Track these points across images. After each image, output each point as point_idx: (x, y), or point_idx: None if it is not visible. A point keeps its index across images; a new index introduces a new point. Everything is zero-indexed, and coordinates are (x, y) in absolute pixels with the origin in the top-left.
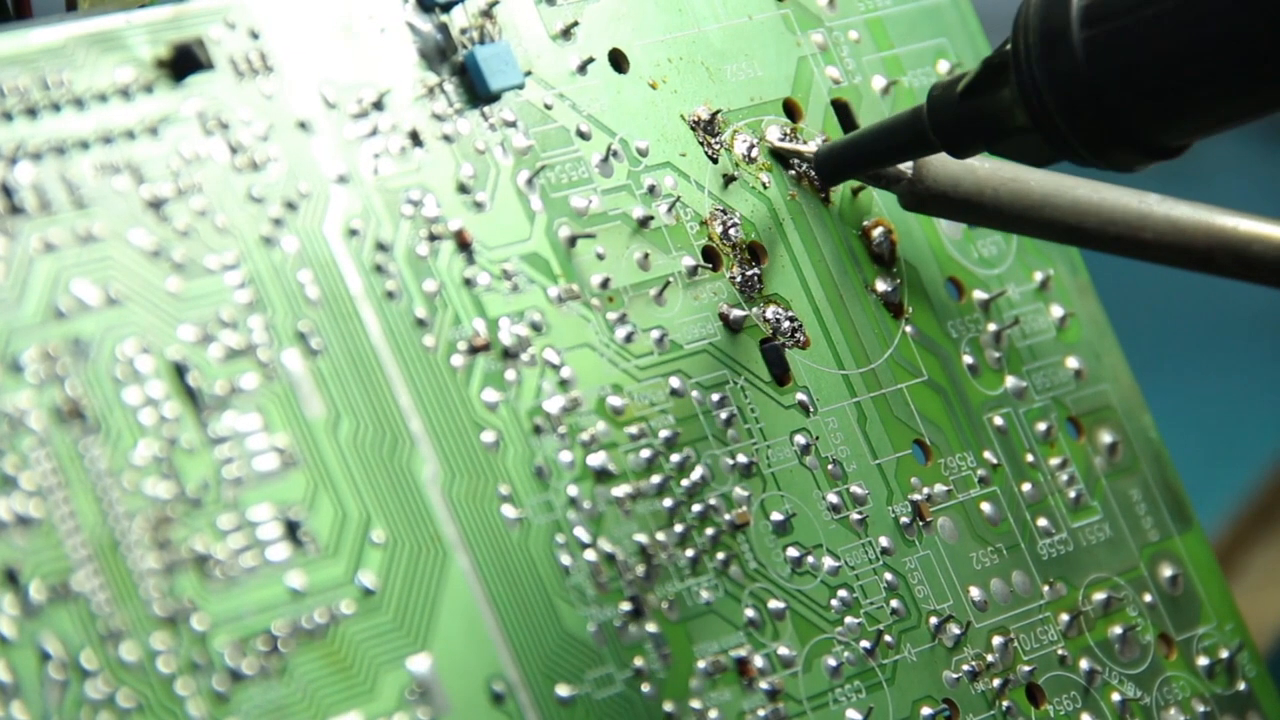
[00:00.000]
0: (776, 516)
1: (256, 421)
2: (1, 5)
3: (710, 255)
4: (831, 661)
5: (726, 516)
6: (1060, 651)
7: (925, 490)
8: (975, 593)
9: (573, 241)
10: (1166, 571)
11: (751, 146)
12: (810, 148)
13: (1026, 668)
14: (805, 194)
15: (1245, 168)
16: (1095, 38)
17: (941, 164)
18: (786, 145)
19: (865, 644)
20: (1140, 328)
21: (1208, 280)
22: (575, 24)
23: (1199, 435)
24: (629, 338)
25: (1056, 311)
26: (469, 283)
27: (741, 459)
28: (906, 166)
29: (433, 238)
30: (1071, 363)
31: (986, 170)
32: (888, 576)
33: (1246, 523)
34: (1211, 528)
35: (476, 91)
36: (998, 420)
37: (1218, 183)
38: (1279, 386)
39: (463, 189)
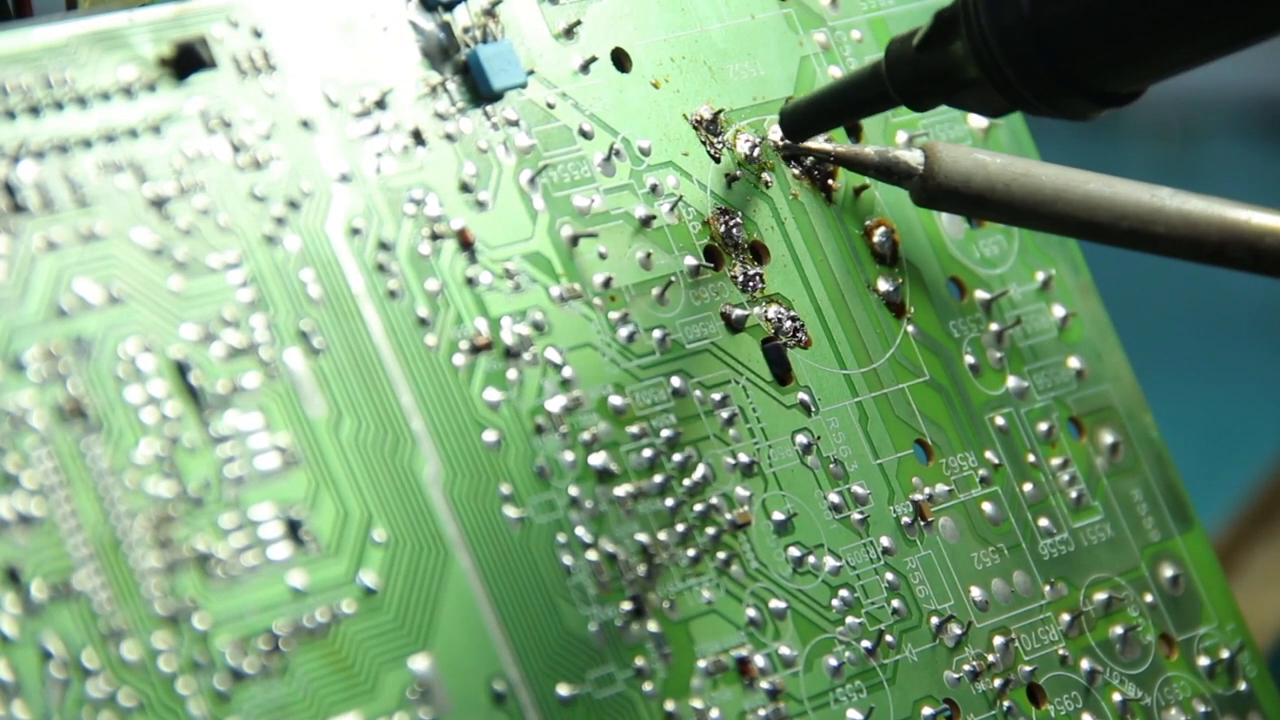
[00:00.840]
0: (778, 516)
1: (258, 420)
2: (2, 4)
3: (712, 255)
4: (833, 661)
5: (728, 516)
6: (1061, 651)
7: (927, 490)
8: (976, 593)
9: (575, 241)
10: (1168, 572)
11: (754, 146)
12: (826, 146)
13: (1027, 668)
14: (808, 193)
15: (1246, 167)
16: None
17: (953, 160)
18: (803, 144)
19: (866, 644)
20: (1141, 328)
21: (1208, 281)
22: (578, 23)
23: (1199, 435)
24: (631, 337)
25: (1058, 311)
26: (471, 282)
27: (743, 458)
28: (918, 162)
29: (435, 237)
30: (1073, 363)
31: (998, 166)
32: (889, 576)
33: (1246, 523)
34: (1212, 528)
35: (479, 90)
36: (999, 420)
37: (1219, 182)
38: (1279, 387)
39: (465, 188)
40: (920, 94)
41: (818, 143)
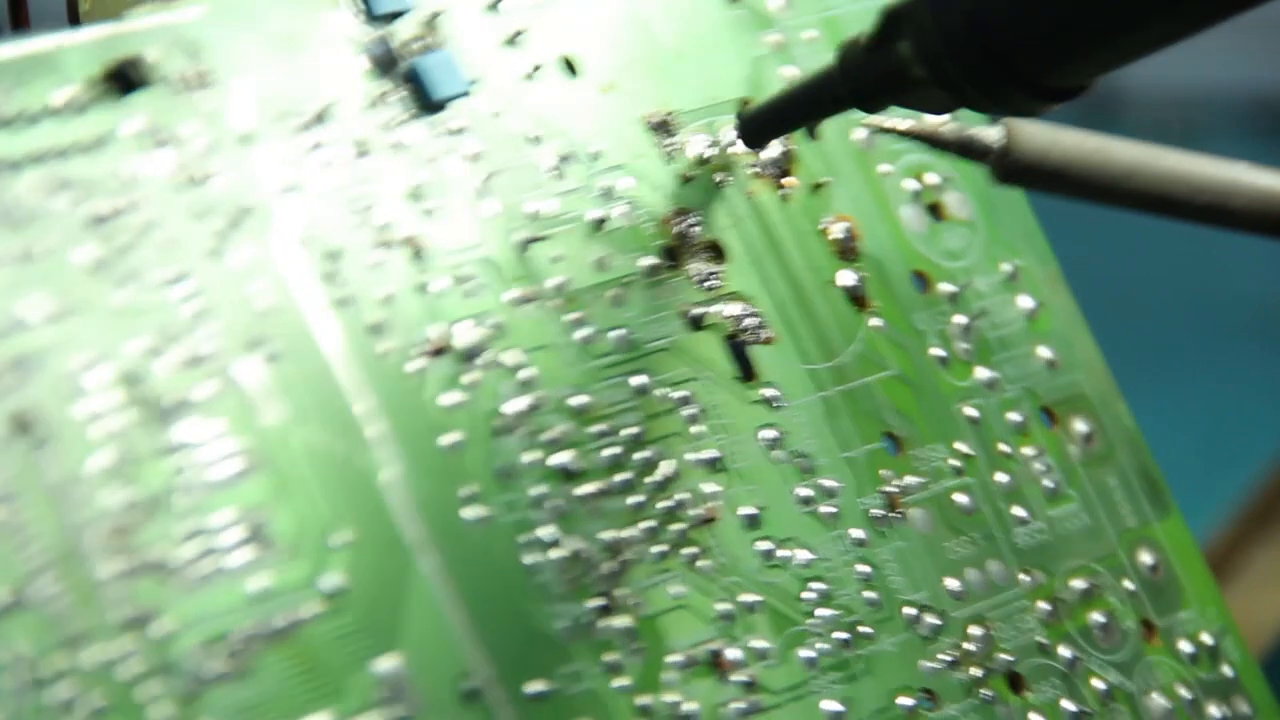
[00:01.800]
0: (746, 511)
1: (213, 430)
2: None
3: (670, 254)
4: (807, 653)
5: (694, 512)
6: (1040, 639)
7: (897, 482)
8: (952, 583)
9: (527, 245)
10: (1146, 558)
11: (708, 145)
12: (905, 124)
13: (1007, 656)
14: (764, 191)
15: None
16: None
17: (1029, 135)
18: (878, 121)
19: (841, 635)
20: (1140, 329)
21: (1207, 282)
22: (522, 31)
23: (1199, 435)
24: (589, 339)
25: (1026, 302)
26: (423, 288)
27: (708, 454)
28: (997, 139)
29: (384, 244)
30: (1043, 352)
31: (1073, 141)
32: (862, 568)
33: (1246, 523)
34: (1211, 528)
35: (423, 101)
36: (970, 411)
37: None
38: (1277, 387)
39: (414, 196)
40: (871, 95)
41: (895, 121)
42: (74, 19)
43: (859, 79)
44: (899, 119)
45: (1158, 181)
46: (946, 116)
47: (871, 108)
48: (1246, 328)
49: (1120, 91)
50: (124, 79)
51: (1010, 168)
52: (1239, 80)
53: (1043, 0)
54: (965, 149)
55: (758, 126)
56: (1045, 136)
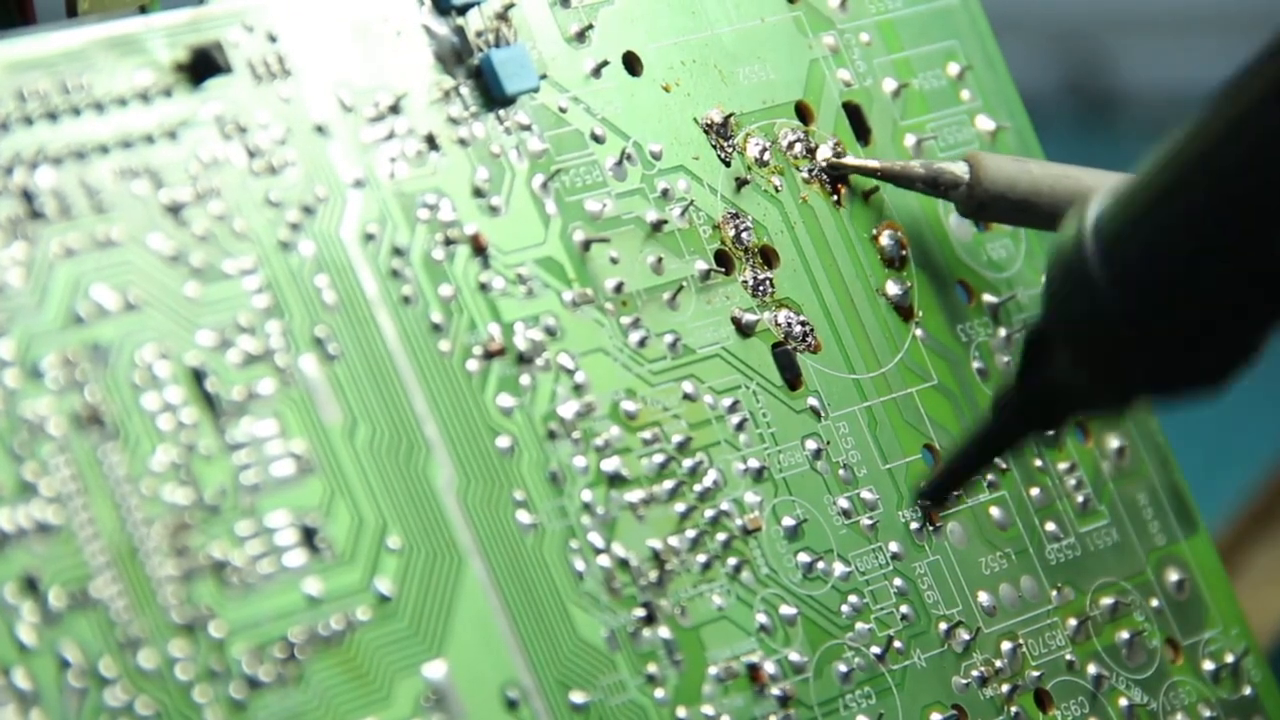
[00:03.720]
0: (788, 521)
1: (274, 427)
2: (5, 10)
3: (723, 259)
4: (842, 667)
5: (738, 521)
6: (1068, 657)
7: None
8: (984, 598)
9: (587, 246)
10: (1173, 576)
11: (764, 150)
12: (873, 163)
13: (1035, 673)
14: (817, 197)
15: None
16: (1121, 275)
17: (997, 167)
18: (849, 161)
19: (876, 650)
20: None
21: None
22: (590, 27)
23: (1199, 435)
24: (642, 342)
25: None
26: (484, 287)
27: (753, 464)
28: (963, 171)
29: (448, 242)
30: None
31: (1041, 170)
32: (898, 582)
33: (1247, 522)
34: (1212, 528)
35: (492, 95)
36: None
37: None
38: (1277, 387)
39: (478, 193)
40: (1048, 419)
41: (863, 160)
42: (72, 16)
43: (1024, 412)
44: (866, 159)
45: None
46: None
47: (1052, 427)
48: None
49: (1120, 92)
50: (206, 64)
51: (980, 199)
52: None
53: (1192, 270)
54: (933, 184)
55: (938, 490)
56: (1012, 168)
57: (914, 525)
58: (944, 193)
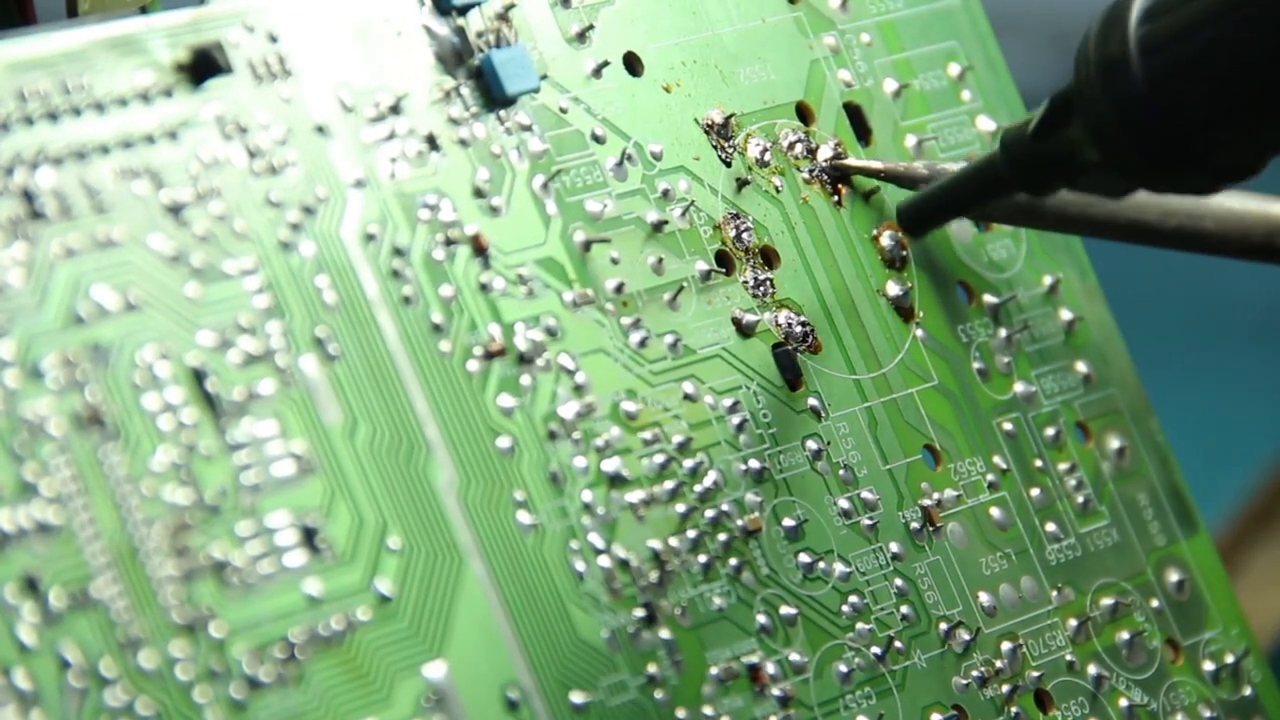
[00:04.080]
0: (788, 522)
1: (274, 428)
2: (5, 10)
3: (723, 259)
4: (843, 668)
5: (739, 522)
6: (1068, 657)
7: (935, 495)
8: (984, 598)
9: (587, 246)
10: (1173, 576)
11: (765, 150)
12: (875, 164)
13: (1035, 673)
14: (818, 197)
15: None
16: (1156, 64)
17: None
18: (852, 162)
19: (876, 650)
20: (1140, 329)
21: (1208, 281)
22: (591, 27)
23: (1199, 435)
24: (643, 343)
25: (1065, 315)
26: (485, 288)
27: (754, 464)
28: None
29: (449, 242)
30: (1080, 367)
31: None
32: (898, 582)
33: (1246, 523)
34: (1212, 528)
35: (492, 95)
36: (1007, 425)
37: None
38: (1277, 387)
39: (479, 193)
40: (1041, 181)
41: (866, 162)
42: (72, 16)
43: (1028, 166)
44: (868, 160)
45: (1129, 207)
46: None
47: (1041, 193)
48: (1247, 328)
49: None
50: (206, 64)
51: None
52: None
53: (1224, 80)
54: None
55: (920, 215)
56: None
57: (914, 526)
58: None
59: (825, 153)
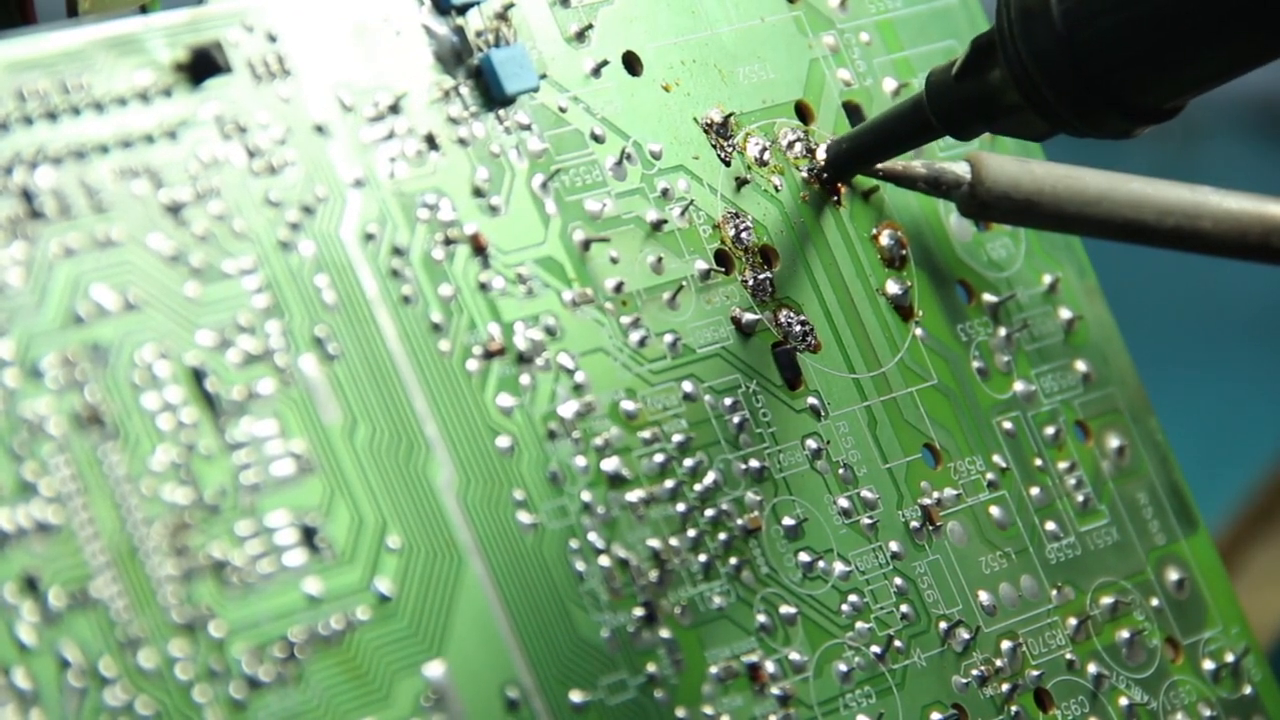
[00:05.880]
0: (788, 521)
1: (273, 427)
2: (6, 10)
3: (723, 259)
4: (842, 667)
5: (738, 521)
6: (1068, 656)
7: (935, 494)
8: (984, 597)
9: (587, 245)
10: (1173, 575)
11: (764, 149)
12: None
13: (1035, 672)
14: (817, 196)
15: (1246, 167)
16: (1072, 8)
17: (999, 167)
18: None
19: (876, 649)
20: (1140, 328)
21: (1208, 281)
22: (590, 26)
23: (1199, 435)
24: (642, 342)
25: (1065, 314)
26: (484, 287)
27: (753, 464)
28: (965, 171)
29: (448, 242)
30: (1080, 366)
31: (1043, 169)
32: (898, 581)
33: (1246, 522)
34: (1211, 527)
35: (492, 94)
36: (1006, 424)
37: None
38: (1279, 386)
39: (478, 193)
40: (963, 122)
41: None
42: (72, 16)
43: (950, 107)
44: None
45: (1127, 205)
46: (918, 162)
47: (963, 135)
48: (1247, 327)
49: None
50: (206, 63)
51: (982, 199)
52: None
53: (1136, 22)
54: (935, 185)
55: (844, 158)
56: (1014, 168)
57: (914, 525)
58: (946, 193)
59: (825, 152)
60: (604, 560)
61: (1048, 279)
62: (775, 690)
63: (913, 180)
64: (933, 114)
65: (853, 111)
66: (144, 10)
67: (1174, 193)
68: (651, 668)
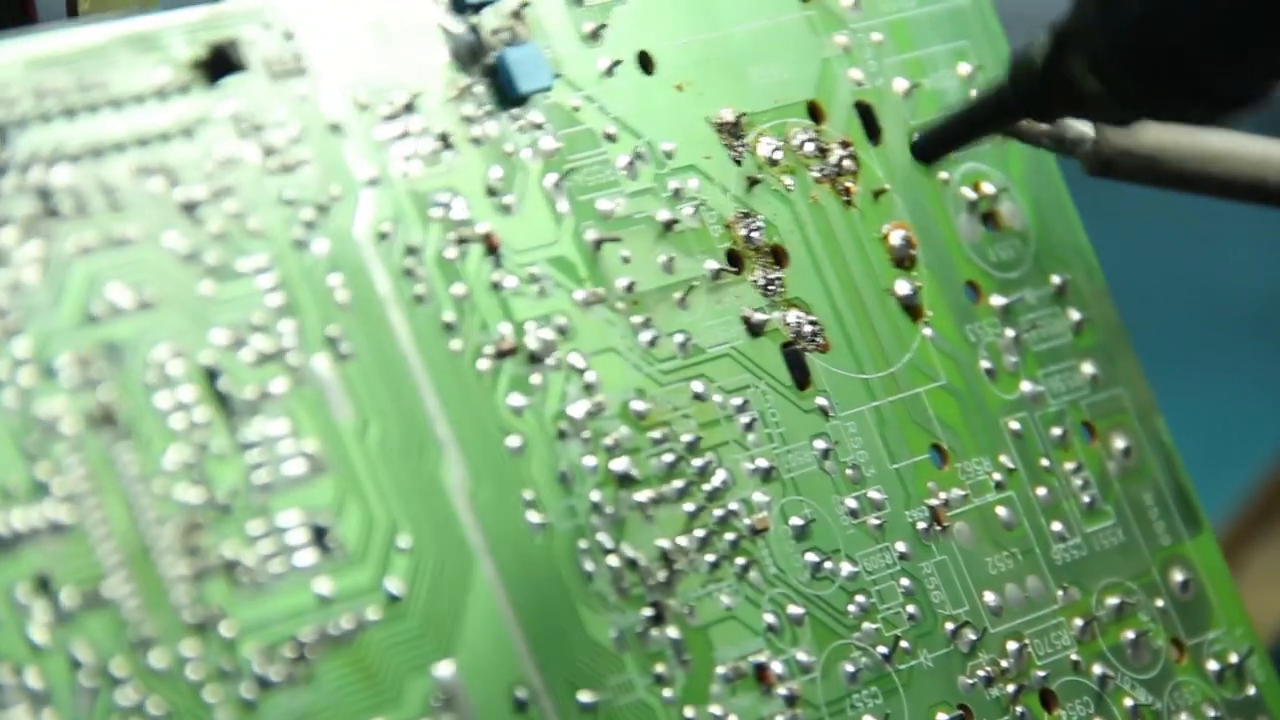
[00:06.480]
0: (796, 521)
1: (286, 426)
2: (8, 9)
3: (734, 258)
4: (849, 667)
5: (746, 521)
6: (1074, 657)
7: (942, 495)
8: (990, 598)
9: (599, 245)
10: (1178, 576)
11: (776, 149)
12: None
13: (1040, 673)
14: (828, 196)
15: None
16: None
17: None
18: None
19: (882, 649)
20: (1140, 327)
21: (1208, 280)
22: (604, 26)
23: (1199, 434)
24: (653, 342)
25: (1073, 315)
26: (496, 286)
27: (762, 463)
28: (1089, 128)
29: (461, 241)
30: (1087, 367)
31: (1165, 129)
32: (905, 582)
33: (1247, 521)
34: (1214, 525)
35: (506, 93)
36: (1014, 425)
37: None
38: (1279, 386)
39: (491, 192)
40: (1047, 108)
41: None
42: (72, 15)
43: (1033, 95)
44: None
45: (1248, 166)
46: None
47: (1046, 119)
48: (1249, 325)
49: None
50: (222, 61)
51: (1103, 159)
52: None
53: (1215, 8)
54: (1059, 142)
55: (932, 144)
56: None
57: (921, 525)
58: (1070, 150)
59: (835, 153)
60: (613, 560)
61: (1056, 280)
62: (782, 690)
63: (1036, 138)
64: (1018, 102)
65: (864, 111)
66: (143, 9)
67: None
68: (659, 668)
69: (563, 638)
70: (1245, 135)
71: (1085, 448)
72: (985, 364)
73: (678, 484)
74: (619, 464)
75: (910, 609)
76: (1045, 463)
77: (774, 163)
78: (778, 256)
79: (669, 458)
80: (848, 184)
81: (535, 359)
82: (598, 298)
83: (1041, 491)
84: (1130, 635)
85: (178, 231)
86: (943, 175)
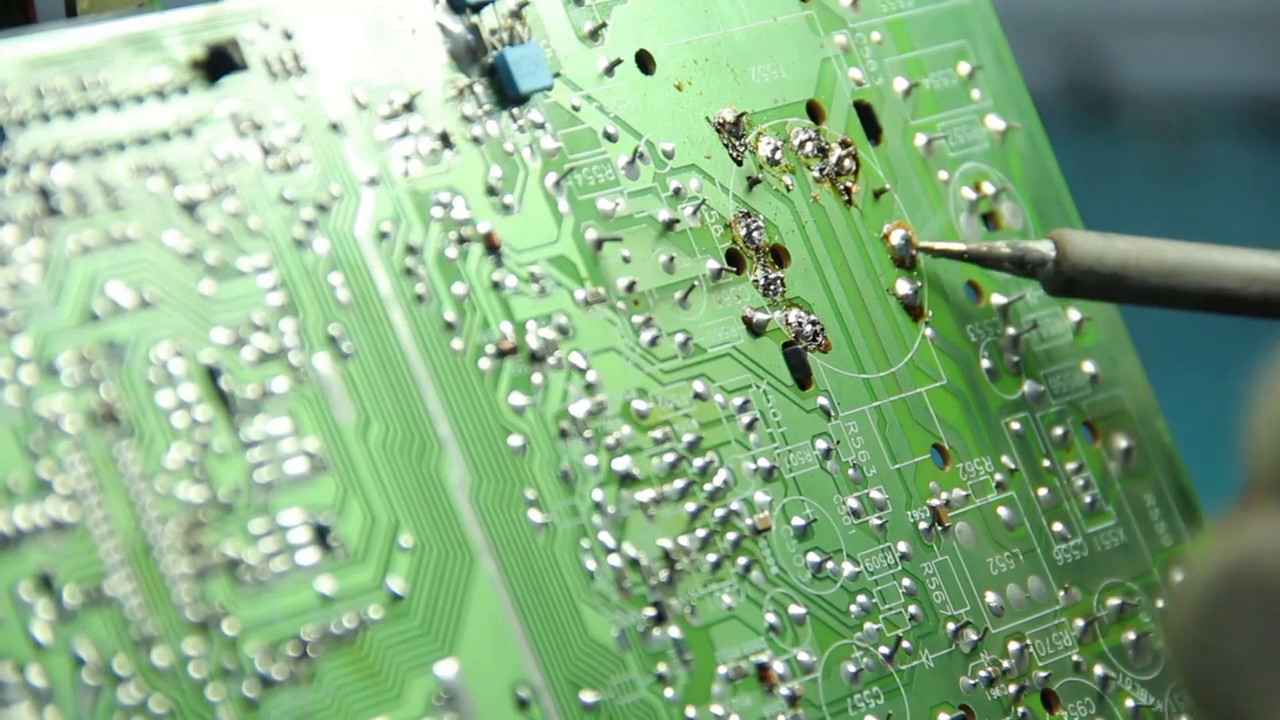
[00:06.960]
0: (797, 521)
1: (287, 425)
2: (7, 9)
3: (734, 258)
4: (851, 667)
5: (748, 521)
6: (1075, 657)
7: (944, 495)
8: (992, 598)
9: (599, 244)
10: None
11: (776, 149)
12: (958, 246)
13: (1042, 674)
14: (828, 196)
15: (1246, 167)
16: None
17: (1084, 242)
18: (936, 245)
19: (884, 649)
20: (1140, 327)
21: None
22: (603, 25)
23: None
24: (654, 341)
25: (1073, 315)
26: (497, 286)
27: (763, 463)
28: (1049, 249)
29: (462, 240)
30: (1088, 367)
31: (1127, 243)
32: (906, 582)
33: None
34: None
35: (506, 93)
36: (1015, 425)
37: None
38: None
39: (492, 191)
40: None
41: (948, 244)
42: (71, 15)
43: None
44: (950, 242)
45: (1211, 273)
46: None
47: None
48: (1249, 325)
49: (1120, 92)
50: (222, 61)
51: (1068, 275)
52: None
53: None
54: (1020, 264)
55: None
56: (1098, 243)
57: (923, 525)
58: (1031, 271)
59: (836, 153)
60: (614, 560)
61: None
62: (784, 690)
63: (998, 260)
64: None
65: (864, 111)
66: (142, 9)
67: (1257, 261)
68: (661, 667)
69: (564, 637)
70: (1202, 246)
71: (1086, 448)
72: (986, 364)
73: (679, 483)
74: (621, 463)
75: (912, 609)
76: (1046, 463)
77: (774, 162)
78: (778, 256)
79: (670, 457)
80: (848, 184)
81: (536, 358)
82: (598, 297)
83: (1043, 492)
84: (1132, 636)
85: (178, 231)
86: (942, 175)
